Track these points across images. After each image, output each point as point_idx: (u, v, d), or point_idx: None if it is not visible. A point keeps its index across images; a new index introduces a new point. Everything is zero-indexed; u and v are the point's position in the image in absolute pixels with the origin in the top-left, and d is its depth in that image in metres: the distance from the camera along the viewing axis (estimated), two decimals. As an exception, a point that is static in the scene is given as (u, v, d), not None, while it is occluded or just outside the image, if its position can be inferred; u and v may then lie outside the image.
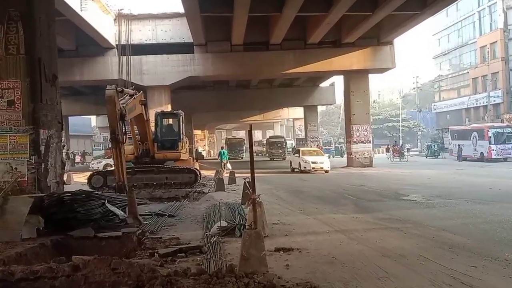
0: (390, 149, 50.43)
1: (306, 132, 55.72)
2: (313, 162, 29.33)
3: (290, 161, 32.52)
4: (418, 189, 18.26)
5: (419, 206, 13.84)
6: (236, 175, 22.73)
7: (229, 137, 76.32)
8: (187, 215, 12.78)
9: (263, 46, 33.20)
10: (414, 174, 27.54)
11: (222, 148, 33.04)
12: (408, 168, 33.44)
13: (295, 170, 30.43)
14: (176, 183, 20.62)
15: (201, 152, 59.17)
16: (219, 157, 31.50)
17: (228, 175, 23.32)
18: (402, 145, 47.68)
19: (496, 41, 54.70)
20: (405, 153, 47.12)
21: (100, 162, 36.82)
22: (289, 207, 14.04)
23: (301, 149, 32.60)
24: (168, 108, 31.53)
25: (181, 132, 22.02)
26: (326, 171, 28.92)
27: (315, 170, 29.05)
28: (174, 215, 12.72)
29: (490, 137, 39.32)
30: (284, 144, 55.13)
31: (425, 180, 22.77)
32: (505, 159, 37.59)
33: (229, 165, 30.41)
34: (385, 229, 10.30)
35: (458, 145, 43.43)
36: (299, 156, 30.36)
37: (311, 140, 53.91)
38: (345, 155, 38.01)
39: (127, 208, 11.58)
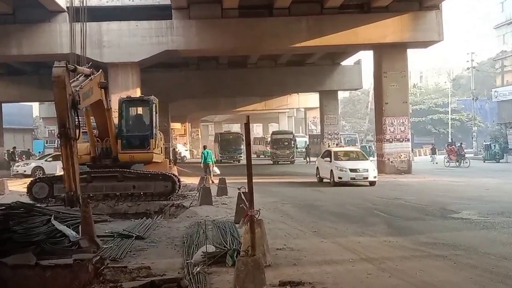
0: (444, 150, 50.54)
1: (322, 127, 55.89)
2: (352, 170, 26.36)
3: (317, 168, 30.17)
4: (473, 204, 18.27)
5: (474, 226, 13.86)
6: (229, 182, 22.73)
7: (221, 132, 75.46)
8: (162, 237, 12.76)
9: (265, 11, 33.23)
10: (467, 183, 27.54)
11: (205, 147, 32.96)
12: (460, 176, 33.44)
13: (325, 180, 28.31)
14: (146, 194, 20.62)
15: (180, 152, 59.17)
16: (202, 160, 31.52)
17: (217, 183, 23.32)
18: (460, 144, 47.44)
19: None
20: (465, 156, 46.09)
21: (27, 165, 36.66)
22: (299, 227, 14.03)
23: (333, 149, 29.83)
24: (137, 93, 31.48)
25: (154, 125, 21.97)
26: (372, 183, 26.37)
27: (355, 181, 26.45)
28: (143, 236, 12.71)
29: None
30: (292, 142, 54.82)
31: (482, 192, 22.74)
32: None
33: (216, 169, 30.40)
34: (428, 257, 10.30)
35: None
36: (330, 161, 27.50)
37: (329, 137, 54.11)
38: (375, 158, 37.95)
39: (80, 227, 11.57)
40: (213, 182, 24.75)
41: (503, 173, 35.47)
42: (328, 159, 27.89)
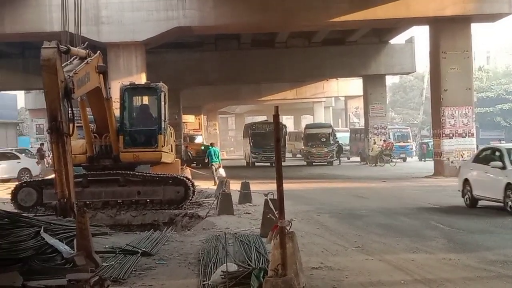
0: None
1: (366, 119, 55.61)
2: None
3: (465, 181, 21.05)
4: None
5: (557, 241, 13.69)
6: (254, 188, 22.75)
7: (253, 123, 68.72)
8: (173, 253, 12.83)
9: (298, -22, 33.20)
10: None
11: (212, 145, 33.06)
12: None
13: (484, 203, 20.30)
14: (154, 202, 20.78)
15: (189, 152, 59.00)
16: (207, 159, 31.71)
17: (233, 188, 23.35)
18: None
19: None
20: None
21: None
22: (339, 241, 14.02)
23: (505, 146, 21.32)
24: (142, 79, 31.66)
25: (163, 118, 22.04)
26: None
27: None
28: (151, 252, 12.80)
29: None
30: (331, 137, 54.69)
31: None
32: None
33: (222, 171, 30.51)
34: (498, 278, 10.25)
35: None
36: (504, 168, 18.96)
37: (375, 131, 53.82)
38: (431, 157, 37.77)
39: (75, 241, 11.66)
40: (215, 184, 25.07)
41: None
42: (498, 164, 19.25)
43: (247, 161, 55.99)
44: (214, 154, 31.19)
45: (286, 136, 59.05)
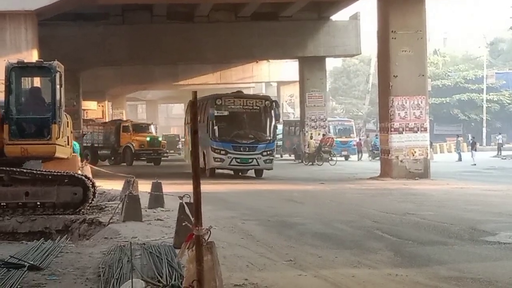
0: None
1: (303, 109, 56.03)
2: None
3: None
4: (516, 223, 18.49)
5: (517, 255, 14.01)
6: (167, 190, 22.68)
7: (216, 95, 47.11)
8: (67, 267, 12.69)
9: None
10: (509, 193, 27.91)
11: (77, 138, 32.54)
12: (498, 182, 33.87)
13: None
14: (46, 205, 20.50)
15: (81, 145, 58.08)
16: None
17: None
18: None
19: None
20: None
21: None
22: (268, 254, 14.08)
23: None
24: (34, 57, 31.29)
25: (58, 104, 21.83)
26: None
27: None
28: (41, 266, 12.60)
29: None
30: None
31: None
32: None
33: (88, 169, 29.72)
34: (451, 298, 10.41)
35: None
36: None
37: (313, 124, 54.24)
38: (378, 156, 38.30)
39: None
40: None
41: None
42: None
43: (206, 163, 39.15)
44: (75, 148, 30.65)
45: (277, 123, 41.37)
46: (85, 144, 55.52)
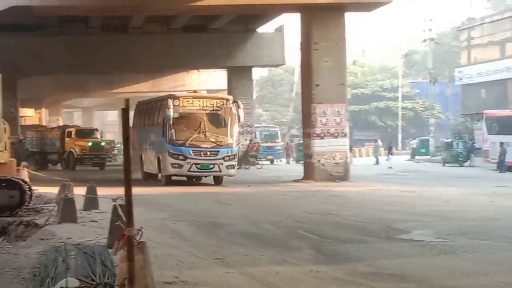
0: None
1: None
2: None
3: None
4: (428, 222, 18.72)
5: (429, 251, 14.20)
6: (102, 193, 22.45)
7: (171, 95, 40.77)
8: (4, 267, 12.46)
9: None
10: (421, 194, 28.26)
11: (14, 143, 31.39)
12: (413, 184, 34.30)
13: None
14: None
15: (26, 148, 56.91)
16: None
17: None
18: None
19: None
20: None
21: None
22: (197, 253, 14.01)
23: None
24: (-28, 65, 30.79)
25: (-5, 111, 21.59)
26: None
27: None
28: (-23, 267, 12.43)
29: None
30: None
31: (440, 205, 23.37)
32: None
33: (25, 173, 28.44)
34: (369, 292, 10.46)
35: (501, 143, 44.89)
36: None
37: (240, 130, 54.21)
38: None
39: None
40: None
41: (467, 181, 36.72)
42: None
43: (149, 172, 36.89)
44: None
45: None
46: (34, 150, 55.41)
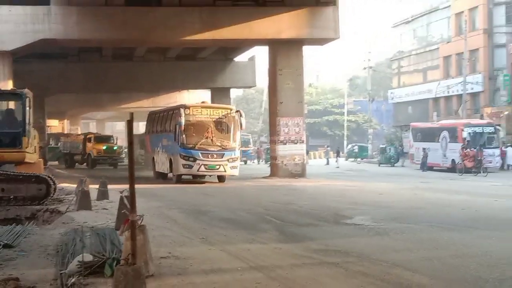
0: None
1: (214, 127, 55.89)
2: None
3: None
4: (367, 210, 18.88)
5: (367, 233, 14.33)
6: (112, 187, 22.43)
7: (182, 105, 35.12)
8: (33, 245, 12.43)
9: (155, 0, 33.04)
10: (361, 188, 28.56)
11: (42, 147, 30.97)
12: (354, 180, 34.52)
13: None
14: (17, 198, 20.07)
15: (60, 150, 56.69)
16: None
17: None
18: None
19: (477, 6, 57.66)
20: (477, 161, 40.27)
21: None
22: (186, 234, 14.04)
23: None
24: (9, 85, 30.58)
25: (27, 121, 21.49)
26: None
27: None
28: (12, 244, 12.37)
29: (465, 138, 41.32)
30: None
31: (376, 197, 23.61)
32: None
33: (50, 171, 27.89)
34: (319, 264, 10.59)
35: (423, 148, 45.45)
36: None
37: (220, 138, 54.25)
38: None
39: None
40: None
41: (397, 178, 37.03)
42: None
43: (161, 172, 34.96)
44: None
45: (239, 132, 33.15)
46: (65, 151, 55.39)
